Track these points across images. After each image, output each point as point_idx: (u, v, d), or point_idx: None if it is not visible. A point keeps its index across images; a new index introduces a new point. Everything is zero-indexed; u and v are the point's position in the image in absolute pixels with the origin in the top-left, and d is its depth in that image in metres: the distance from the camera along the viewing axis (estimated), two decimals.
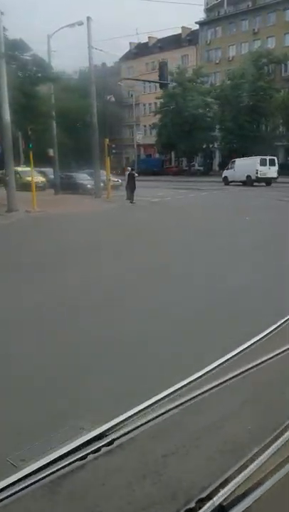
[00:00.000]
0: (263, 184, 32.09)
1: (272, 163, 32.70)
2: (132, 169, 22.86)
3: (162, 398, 3.36)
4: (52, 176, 30.18)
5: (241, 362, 3.96)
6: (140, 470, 2.67)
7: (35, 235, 13.41)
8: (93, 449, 2.83)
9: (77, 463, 2.72)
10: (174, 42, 65.15)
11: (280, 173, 46.37)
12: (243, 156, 38.13)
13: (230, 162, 36.89)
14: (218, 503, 2.38)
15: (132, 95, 66.84)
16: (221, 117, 49.64)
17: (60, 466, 2.67)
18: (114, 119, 64.89)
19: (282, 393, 3.58)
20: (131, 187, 21.47)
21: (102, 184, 25.33)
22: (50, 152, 26.64)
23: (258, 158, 32.84)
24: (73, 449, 2.81)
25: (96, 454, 2.80)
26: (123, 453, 2.84)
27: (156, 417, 3.16)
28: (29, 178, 32.38)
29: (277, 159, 53.38)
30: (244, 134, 47.62)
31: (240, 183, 32.97)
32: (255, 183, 31.82)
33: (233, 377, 3.70)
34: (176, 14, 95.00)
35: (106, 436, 2.97)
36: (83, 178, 28.72)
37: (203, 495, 2.43)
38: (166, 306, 5.89)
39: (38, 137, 34.74)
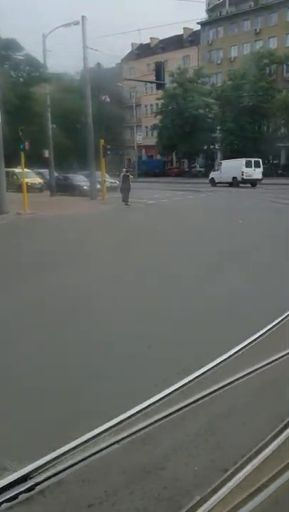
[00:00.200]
0: (249, 185, 32.73)
1: (257, 164, 33.47)
2: (127, 170, 22.46)
3: (102, 432, 2.97)
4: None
5: (194, 390, 3.58)
6: None
7: (21, 237, 13.21)
8: (9, 496, 2.45)
9: None
10: (175, 42, 64.85)
11: (283, 174, 46.17)
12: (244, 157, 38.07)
13: (216, 164, 38.16)
14: None
15: (133, 96, 66.56)
16: (222, 118, 49.25)
17: None
18: (116, 120, 64.78)
19: (242, 424, 3.19)
20: (126, 189, 21.10)
21: (98, 186, 25.01)
22: (46, 153, 26.30)
23: (243, 160, 33.64)
24: None
25: (10, 504, 2.41)
26: (43, 501, 2.46)
27: (91, 455, 2.78)
28: (26, 180, 32.30)
29: (279, 161, 53.54)
30: (245, 135, 47.23)
31: (227, 184, 33.66)
32: (240, 184, 32.57)
33: (186, 406, 3.31)
34: (177, 14, 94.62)
35: (30, 478, 2.59)
36: (80, 179, 28.39)
37: None
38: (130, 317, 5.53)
39: (35, 138, 34.50)
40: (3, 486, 2.49)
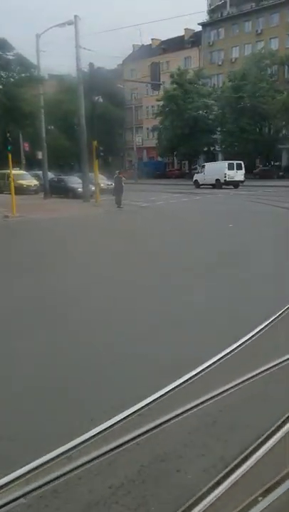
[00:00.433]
0: (231, 187, 33.78)
1: (239, 167, 34.51)
2: (120, 173, 21.99)
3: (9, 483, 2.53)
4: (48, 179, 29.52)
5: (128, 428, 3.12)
6: None
7: (2, 240, 12.90)
8: None
9: None
10: (176, 44, 64.55)
11: (284, 176, 45.99)
12: (244, 160, 38.10)
13: (200, 166, 39.82)
14: None
15: (134, 97, 66.25)
16: (222, 119, 48.77)
17: None
18: (116, 122, 64.43)
19: (176, 471, 2.73)
20: (118, 191, 20.66)
21: (93, 188, 24.54)
22: (39, 155, 25.90)
23: (225, 163, 35.26)
24: None
25: None
26: None
27: None
28: (21, 182, 32.00)
29: (281, 162, 52.99)
30: (245, 136, 46.70)
31: (210, 186, 34.74)
32: (223, 186, 33.75)
33: (118, 446, 2.85)
34: (178, 15, 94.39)
35: None
36: (74, 181, 27.93)
37: None
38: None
39: (32, 140, 34.18)
40: None
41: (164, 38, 67.92)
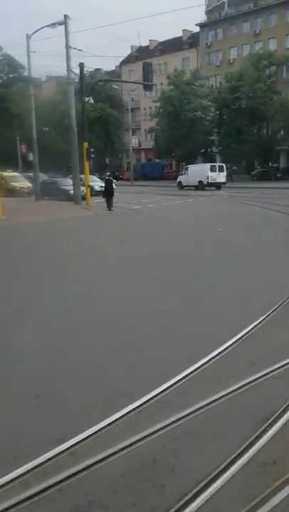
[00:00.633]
0: (214, 188, 34.82)
1: (221, 169, 35.69)
2: (110, 175, 21.60)
3: None
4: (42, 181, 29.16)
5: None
6: None
7: None
8: None
9: None
10: (175, 44, 64.28)
11: (282, 178, 45.92)
12: (243, 161, 38.24)
13: (183, 168, 40.78)
14: None
15: (132, 99, 65.92)
16: (219, 121, 48.37)
17: None
18: (113, 123, 64.13)
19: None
20: (108, 193, 20.29)
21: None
22: (30, 156, 25.53)
23: (208, 165, 36.42)
24: None
25: None
26: None
27: None
28: (14, 184, 31.62)
29: (279, 164, 52.62)
30: (243, 138, 46.29)
31: (193, 188, 35.64)
32: (206, 188, 34.57)
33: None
34: (176, 16, 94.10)
35: None
36: (67, 183, 27.54)
37: None
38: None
39: (27, 142, 33.67)
40: None
41: (161, 39, 67.72)
